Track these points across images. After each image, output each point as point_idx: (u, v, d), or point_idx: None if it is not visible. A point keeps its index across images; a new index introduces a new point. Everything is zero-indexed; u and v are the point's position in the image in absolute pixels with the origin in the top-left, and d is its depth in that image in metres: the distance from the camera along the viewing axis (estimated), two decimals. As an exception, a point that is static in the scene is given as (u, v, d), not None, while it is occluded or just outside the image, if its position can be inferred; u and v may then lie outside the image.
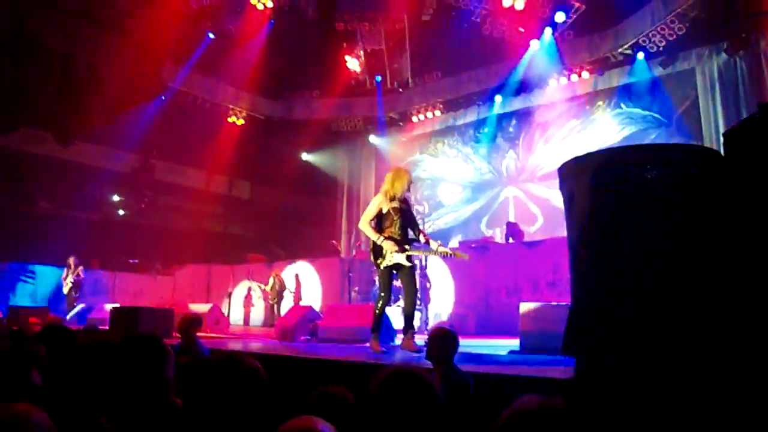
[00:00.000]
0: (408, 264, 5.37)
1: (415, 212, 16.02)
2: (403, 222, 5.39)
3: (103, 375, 1.69)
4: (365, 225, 5.46)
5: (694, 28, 11.01)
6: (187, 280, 15.70)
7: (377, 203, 5.44)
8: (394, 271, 5.43)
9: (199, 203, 17.90)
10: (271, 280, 12.83)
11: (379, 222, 5.45)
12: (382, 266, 5.39)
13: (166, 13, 13.43)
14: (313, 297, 13.08)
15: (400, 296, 11.69)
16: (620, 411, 2.87)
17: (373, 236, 5.39)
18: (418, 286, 5.67)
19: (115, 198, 16.65)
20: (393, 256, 5.31)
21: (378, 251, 5.40)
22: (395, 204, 5.39)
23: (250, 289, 13.83)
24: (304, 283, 13.38)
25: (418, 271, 11.04)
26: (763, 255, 2.53)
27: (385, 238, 5.33)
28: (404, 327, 5.39)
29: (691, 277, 3.02)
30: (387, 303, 5.45)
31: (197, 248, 16.16)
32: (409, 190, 5.54)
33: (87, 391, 1.67)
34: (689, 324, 2.98)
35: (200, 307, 10.65)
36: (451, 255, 5.57)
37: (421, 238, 5.55)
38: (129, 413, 1.59)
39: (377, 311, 5.40)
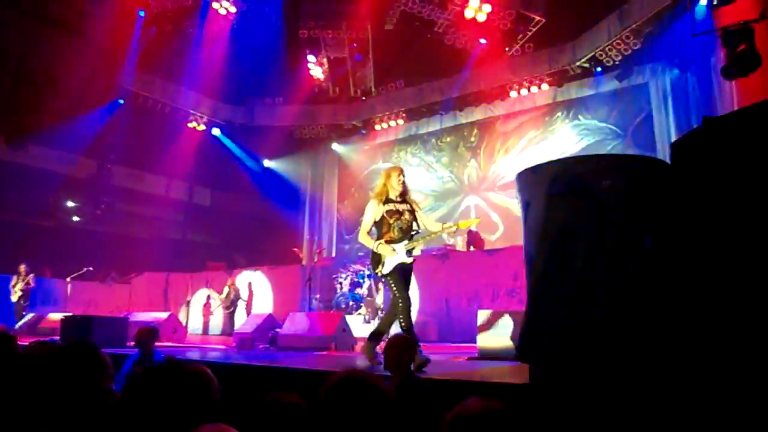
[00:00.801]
0: (408, 261, 4.99)
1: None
2: (402, 224, 5.01)
3: (41, 384, 1.63)
4: (363, 237, 5.15)
5: (647, 44, 11.39)
6: (144, 288, 15.32)
7: (371, 212, 5.09)
8: (401, 273, 4.99)
9: (158, 210, 17.54)
10: (225, 289, 12.65)
11: (379, 230, 5.11)
12: (382, 273, 5.03)
13: (125, 15, 13.18)
14: (266, 305, 12.94)
15: (361, 304, 11.72)
16: (572, 417, 2.92)
17: (371, 245, 5.06)
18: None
19: (70, 204, 16.16)
20: (391, 258, 4.96)
21: (376, 259, 5.06)
22: (389, 207, 5.03)
23: (209, 297, 13.59)
24: (258, 291, 13.22)
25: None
26: (706, 259, 2.61)
27: (381, 243, 4.98)
28: (373, 333, 5.11)
29: (643, 285, 3.10)
30: (408, 309, 4.92)
31: (155, 256, 15.81)
32: (403, 186, 5.10)
33: (26, 399, 1.61)
34: (640, 333, 3.06)
35: (157, 316, 10.41)
36: (456, 228, 5.19)
37: (434, 228, 5.24)
38: (67, 423, 1.53)
39: (402, 323, 4.85)
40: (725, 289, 2.56)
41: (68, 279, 12.29)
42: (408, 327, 4.79)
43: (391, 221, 4.99)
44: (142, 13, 13.41)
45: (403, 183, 5.07)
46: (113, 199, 16.19)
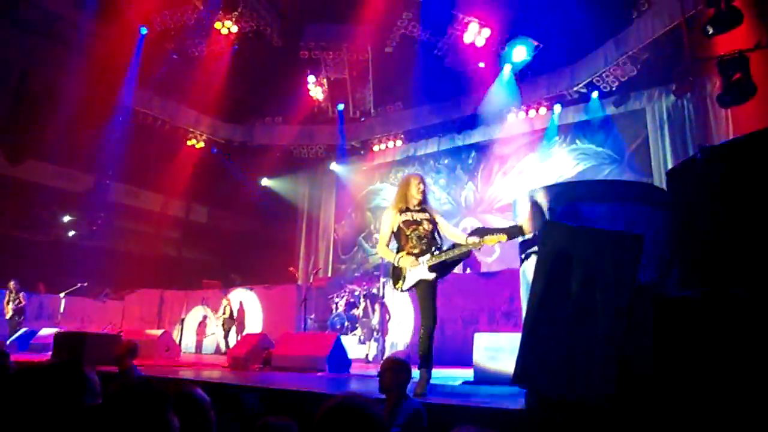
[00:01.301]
0: (429, 277, 4.55)
1: (374, 240, 15.80)
2: (421, 234, 4.61)
3: (25, 402, 1.61)
4: (383, 249, 4.76)
5: (644, 70, 11.52)
6: (138, 305, 15.24)
7: (388, 222, 4.72)
8: (424, 290, 4.61)
9: (155, 226, 17.52)
10: (222, 307, 12.59)
11: (398, 243, 4.74)
12: (402, 289, 4.67)
13: (127, 34, 13.30)
14: (257, 325, 12.88)
15: (357, 325, 11.65)
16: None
17: (391, 258, 4.69)
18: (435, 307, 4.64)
19: (66, 219, 16.13)
20: (412, 272, 4.59)
21: (396, 273, 4.67)
22: (407, 216, 4.66)
23: (205, 316, 13.53)
24: (249, 311, 13.16)
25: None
26: (702, 287, 2.61)
27: (403, 256, 4.61)
28: (419, 363, 4.54)
29: (639, 312, 3.09)
30: (431, 330, 4.59)
31: (150, 273, 15.75)
32: (423, 194, 4.72)
33: (12, 418, 1.59)
34: (636, 360, 3.04)
35: (151, 333, 10.32)
36: (482, 245, 4.50)
37: (459, 237, 4.65)
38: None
39: (422, 344, 4.58)
40: (722, 317, 2.56)
41: (62, 294, 12.21)
42: (425, 349, 4.54)
43: (408, 232, 4.63)
44: (144, 31, 13.54)
45: (423, 191, 4.72)
46: (110, 214, 16.17)
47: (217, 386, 4.45)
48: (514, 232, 4.28)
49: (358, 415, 1.31)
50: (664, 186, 3.57)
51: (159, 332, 10.38)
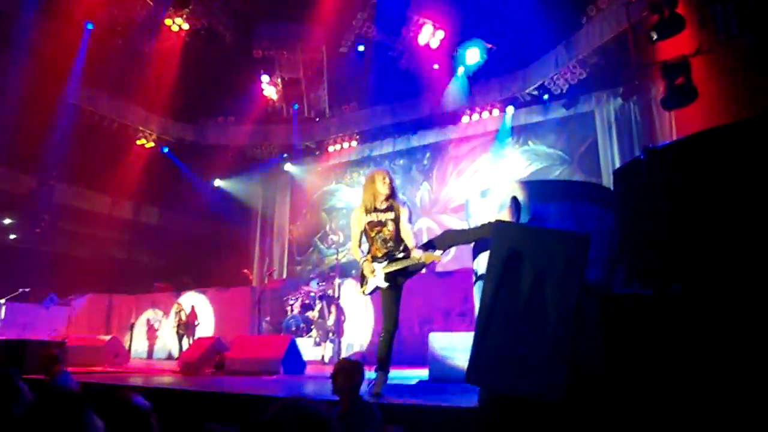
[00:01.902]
0: (384, 285, 4.46)
1: (330, 241, 15.61)
2: (385, 236, 4.52)
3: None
4: (354, 249, 4.69)
5: (593, 74, 11.84)
6: (86, 310, 14.72)
7: (354, 222, 4.65)
8: (385, 295, 4.53)
9: (103, 229, 16.94)
10: (174, 312, 12.30)
11: (367, 242, 4.64)
12: (365, 293, 4.60)
13: (72, 28, 12.81)
14: (209, 329, 12.65)
15: (312, 327, 11.56)
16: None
17: (359, 259, 4.63)
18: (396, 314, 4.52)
19: (7, 221, 15.44)
20: (372, 279, 4.52)
21: (362, 277, 4.62)
22: (372, 217, 4.55)
23: (153, 319, 13.17)
24: (202, 314, 12.91)
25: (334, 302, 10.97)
26: (642, 280, 2.68)
27: (366, 260, 4.54)
28: (377, 365, 4.51)
29: (586, 309, 3.16)
30: (392, 335, 4.48)
31: (98, 276, 15.24)
32: (390, 189, 4.58)
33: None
34: (584, 356, 3.11)
35: (98, 339, 9.99)
36: (421, 262, 4.40)
37: (408, 245, 4.56)
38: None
39: (381, 348, 4.50)
40: (661, 314, 2.63)
41: (2, 300, 11.68)
42: (383, 351, 4.46)
43: (373, 234, 4.55)
44: (90, 26, 13.08)
45: (390, 186, 4.57)
46: (54, 217, 15.54)
47: (164, 392, 4.32)
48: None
49: (304, 418, 1.28)
50: (611, 186, 3.66)
51: (107, 338, 10.06)
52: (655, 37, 8.51)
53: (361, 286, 4.66)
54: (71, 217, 16.10)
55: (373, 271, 4.51)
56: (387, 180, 4.59)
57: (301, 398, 1.39)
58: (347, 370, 3.31)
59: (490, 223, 3.71)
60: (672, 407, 2.45)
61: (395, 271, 4.45)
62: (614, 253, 3.39)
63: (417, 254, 4.35)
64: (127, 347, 10.49)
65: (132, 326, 11.74)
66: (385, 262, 4.49)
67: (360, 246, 4.70)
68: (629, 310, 2.81)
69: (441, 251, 4.44)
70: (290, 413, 1.28)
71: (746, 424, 2.24)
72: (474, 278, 4.28)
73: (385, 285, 4.46)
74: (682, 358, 2.50)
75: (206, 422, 1.85)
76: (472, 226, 4.40)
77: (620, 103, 12.30)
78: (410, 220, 4.63)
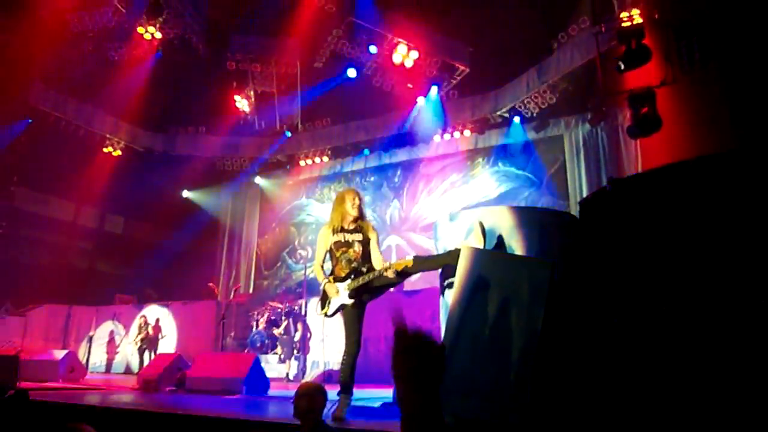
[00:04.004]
0: (349, 302, 4.40)
1: (298, 256, 15.50)
2: (350, 257, 4.49)
3: None
4: (317, 269, 4.64)
5: (562, 99, 12.12)
6: (43, 321, 14.23)
7: (321, 242, 4.63)
8: (348, 315, 4.46)
9: (64, 236, 16.48)
10: (137, 325, 12.01)
11: (331, 262, 4.60)
12: (327, 314, 4.53)
13: (41, 32, 12.53)
14: (172, 344, 12.37)
15: (277, 343, 11.39)
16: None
17: (321, 280, 4.58)
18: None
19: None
20: (336, 299, 4.46)
21: (323, 299, 4.57)
22: (339, 237, 4.53)
23: (112, 333, 12.83)
24: (165, 328, 12.63)
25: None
26: (609, 313, 2.71)
27: (328, 282, 4.51)
28: (340, 388, 4.40)
29: (552, 335, 3.18)
30: (354, 357, 4.40)
31: (57, 286, 14.76)
32: (359, 210, 4.60)
33: None
34: (549, 382, 3.12)
35: (53, 354, 9.66)
36: (390, 268, 4.28)
37: (377, 265, 4.48)
38: None
39: (343, 371, 4.42)
40: (625, 338, 2.67)
41: (-47, 310, 11.25)
42: (345, 372, 4.38)
43: (338, 254, 4.52)
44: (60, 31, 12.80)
45: (359, 207, 4.59)
46: (13, 222, 15.06)
47: (121, 413, 4.18)
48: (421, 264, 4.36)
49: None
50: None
51: (62, 352, 9.73)
52: (622, 67, 8.74)
53: (322, 308, 4.58)
54: (31, 224, 15.63)
55: (337, 291, 4.46)
56: (357, 201, 4.60)
57: (267, 423, 1.35)
58: (309, 393, 3.26)
59: (457, 249, 3.72)
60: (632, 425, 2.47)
61: (360, 285, 4.41)
62: (579, 281, 3.43)
63: (384, 264, 4.33)
64: (84, 360, 10.18)
65: (90, 339, 11.39)
66: (349, 280, 4.45)
67: (323, 266, 4.66)
68: (589, 338, 2.84)
69: (411, 263, 4.34)
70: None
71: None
72: (441, 301, 4.28)
73: (350, 301, 4.41)
74: (638, 383, 2.53)
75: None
76: (440, 250, 4.42)
77: (588, 128, 12.58)
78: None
